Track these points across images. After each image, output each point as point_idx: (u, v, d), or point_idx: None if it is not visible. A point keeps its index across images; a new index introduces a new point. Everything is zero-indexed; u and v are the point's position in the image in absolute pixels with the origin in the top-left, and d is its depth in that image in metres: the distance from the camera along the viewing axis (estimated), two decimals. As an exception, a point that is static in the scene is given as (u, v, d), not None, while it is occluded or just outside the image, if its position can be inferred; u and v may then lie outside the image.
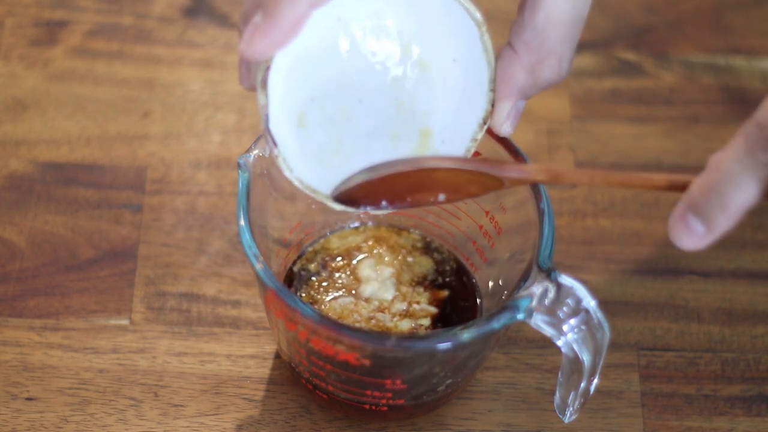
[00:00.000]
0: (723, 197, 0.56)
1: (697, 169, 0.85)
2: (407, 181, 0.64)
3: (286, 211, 0.74)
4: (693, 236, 0.57)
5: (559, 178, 0.63)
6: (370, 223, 0.77)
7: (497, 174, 0.63)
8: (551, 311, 0.63)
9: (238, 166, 0.67)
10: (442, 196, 0.65)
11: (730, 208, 0.56)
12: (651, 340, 0.78)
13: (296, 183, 0.65)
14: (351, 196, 0.65)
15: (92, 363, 0.75)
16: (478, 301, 0.74)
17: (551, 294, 0.64)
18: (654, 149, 0.86)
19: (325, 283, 0.74)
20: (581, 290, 0.63)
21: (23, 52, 0.89)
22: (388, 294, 0.73)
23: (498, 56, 0.64)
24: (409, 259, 0.76)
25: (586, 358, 0.64)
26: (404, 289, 0.74)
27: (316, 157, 0.66)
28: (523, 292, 0.64)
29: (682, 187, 0.59)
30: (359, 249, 0.76)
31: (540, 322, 0.64)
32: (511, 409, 0.75)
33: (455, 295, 0.75)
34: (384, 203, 0.65)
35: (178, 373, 0.75)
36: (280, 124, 0.64)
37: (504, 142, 0.69)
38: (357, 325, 0.72)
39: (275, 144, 0.64)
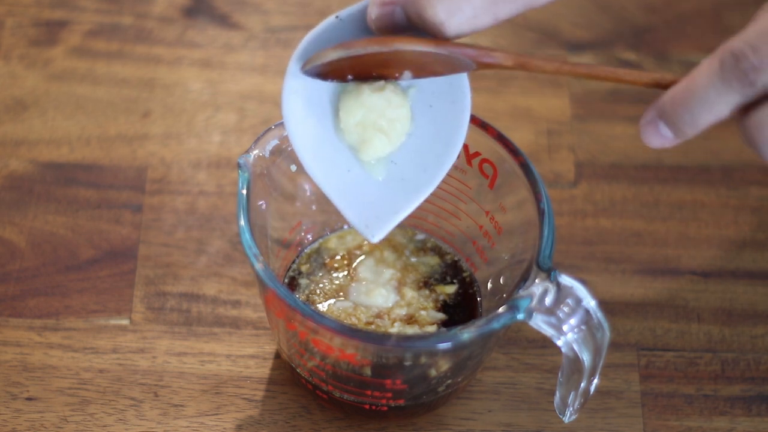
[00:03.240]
0: (693, 113, 0.59)
1: (698, 169, 0.86)
2: (377, 59, 0.64)
3: (286, 211, 0.74)
4: (661, 138, 0.61)
5: (525, 65, 0.63)
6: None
7: (467, 57, 0.63)
8: (551, 311, 0.63)
9: (238, 166, 0.67)
10: (408, 74, 0.65)
11: (699, 123, 0.59)
12: (651, 340, 0.78)
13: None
14: (319, 70, 0.64)
15: (92, 363, 0.75)
16: (478, 300, 0.74)
17: (551, 294, 0.64)
18: (653, 149, 0.86)
19: (322, 285, 0.74)
20: (581, 290, 0.63)
21: (23, 52, 0.89)
22: (389, 301, 0.73)
23: None
24: (413, 259, 0.76)
25: (586, 358, 0.64)
26: (409, 293, 0.74)
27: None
28: (523, 292, 0.64)
29: (649, 86, 0.61)
30: (359, 248, 0.76)
31: (540, 322, 0.64)
32: (511, 409, 0.75)
33: (455, 295, 0.75)
34: (350, 77, 0.65)
35: (178, 373, 0.75)
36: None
37: (503, 141, 0.70)
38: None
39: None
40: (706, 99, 0.58)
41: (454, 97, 0.65)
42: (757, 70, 0.57)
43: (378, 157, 0.66)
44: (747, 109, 0.58)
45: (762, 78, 0.57)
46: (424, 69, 0.64)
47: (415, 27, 0.62)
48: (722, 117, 0.59)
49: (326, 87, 0.65)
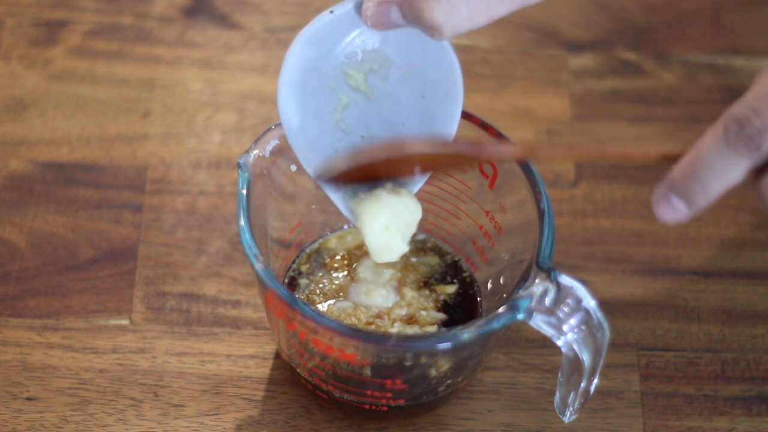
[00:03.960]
0: (704, 183, 0.58)
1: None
2: (388, 163, 0.64)
3: (286, 211, 0.74)
4: (675, 213, 0.60)
5: (534, 153, 0.63)
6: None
7: (475, 155, 0.63)
8: (551, 311, 0.63)
9: (238, 166, 0.67)
10: (419, 173, 0.65)
11: (710, 193, 0.58)
12: (651, 340, 0.78)
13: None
14: (333, 180, 0.65)
15: (92, 363, 0.75)
16: (478, 300, 0.74)
17: (551, 294, 0.64)
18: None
19: (321, 285, 0.74)
20: (581, 290, 0.63)
21: (23, 52, 0.89)
22: (389, 301, 0.73)
23: None
24: (413, 259, 0.76)
25: (586, 358, 0.64)
26: (409, 293, 0.74)
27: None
28: (523, 292, 0.64)
29: (658, 161, 0.61)
30: (359, 248, 0.76)
31: (540, 322, 0.64)
32: (511, 409, 0.75)
33: (455, 295, 0.75)
34: (362, 182, 0.65)
35: (178, 373, 0.75)
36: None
37: (504, 142, 0.69)
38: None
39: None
40: (714, 167, 0.57)
41: (446, 88, 0.66)
42: (761, 133, 0.56)
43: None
44: (759, 172, 0.58)
45: (767, 141, 0.56)
46: (434, 167, 0.65)
47: (411, 26, 0.62)
48: (734, 183, 0.58)
49: (323, 76, 0.65)
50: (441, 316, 0.73)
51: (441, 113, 0.67)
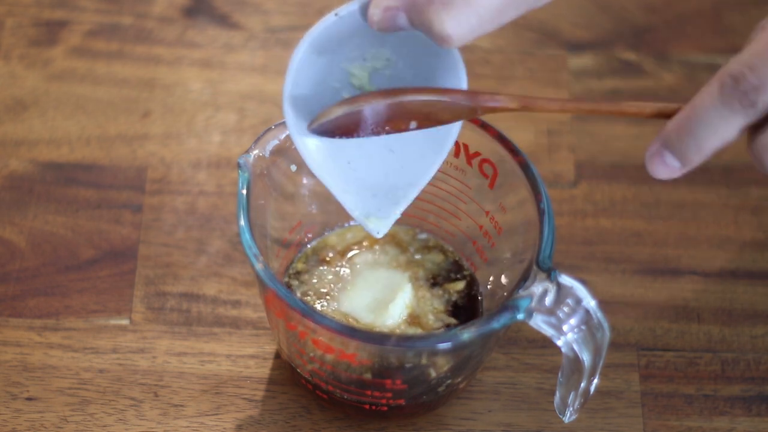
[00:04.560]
0: (699, 139, 0.58)
1: (698, 169, 0.86)
2: (383, 112, 0.64)
3: (286, 211, 0.74)
4: (668, 169, 0.60)
5: (529, 105, 0.63)
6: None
7: (471, 103, 0.63)
8: (551, 311, 0.63)
9: (238, 166, 0.67)
10: (413, 124, 0.65)
11: (705, 149, 0.59)
12: (651, 340, 0.78)
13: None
14: (326, 128, 0.65)
15: (92, 363, 0.75)
16: (479, 300, 0.74)
17: (551, 294, 0.64)
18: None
19: (321, 284, 0.74)
20: (581, 290, 0.63)
21: (23, 52, 0.89)
22: (394, 303, 0.73)
23: None
24: (417, 256, 0.76)
25: (586, 358, 0.64)
26: (410, 295, 0.74)
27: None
28: (523, 292, 0.64)
29: (653, 116, 0.61)
30: (360, 246, 0.76)
31: (540, 322, 0.64)
32: (511, 409, 0.75)
33: (456, 295, 0.75)
34: (357, 134, 0.65)
35: (178, 373, 0.75)
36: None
37: (503, 141, 0.70)
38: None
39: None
40: (709, 123, 0.58)
41: (451, 84, 0.66)
42: (757, 89, 0.56)
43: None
44: (754, 130, 0.58)
45: (762, 97, 0.57)
46: (429, 118, 0.64)
47: (418, 31, 0.62)
48: (728, 140, 0.58)
49: (327, 76, 0.65)
50: (452, 320, 0.73)
51: None
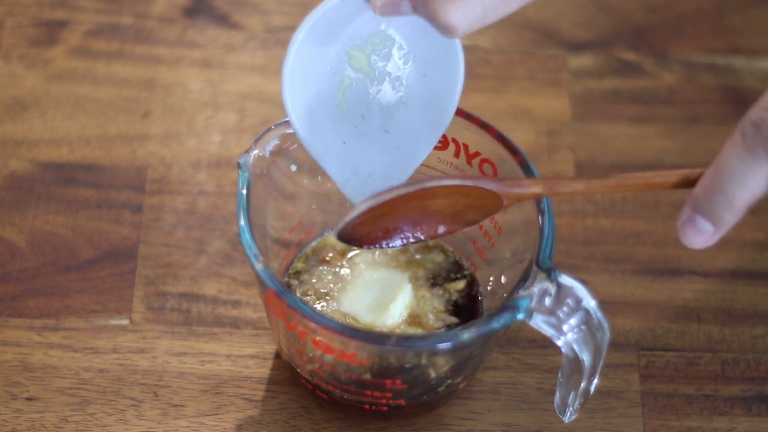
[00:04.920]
0: (729, 196, 0.57)
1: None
2: (408, 211, 0.64)
3: (286, 211, 0.74)
4: (702, 235, 0.59)
5: (555, 188, 0.63)
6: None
7: (496, 189, 0.63)
8: (551, 311, 0.63)
9: (238, 166, 0.67)
10: (441, 228, 0.65)
11: (736, 205, 0.58)
12: (651, 340, 0.78)
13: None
14: (354, 232, 0.65)
15: (92, 363, 0.75)
16: (479, 300, 0.74)
17: (551, 294, 0.64)
18: (654, 149, 0.86)
19: (321, 284, 0.74)
20: (581, 290, 0.63)
21: (23, 52, 0.89)
22: (394, 304, 0.73)
23: None
24: (417, 256, 0.76)
25: (586, 358, 0.64)
26: (410, 295, 0.74)
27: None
28: (523, 292, 0.64)
29: (679, 185, 0.60)
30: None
31: (540, 322, 0.64)
32: (511, 409, 0.75)
33: (457, 294, 0.75)
34: (385, 241, 0.65)
35: (178, 373, 0.75)
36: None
37: (503, 141, 0.70)
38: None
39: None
40: (736, 175, 0.57)
41: (447, 67, 0.66)
42: None
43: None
44: None
45: None
46: (456, 219, 0.64)
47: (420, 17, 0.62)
48: (758, 193, 0.57)
49: (326, 58, 0.65)
50: (453, 319, 0.73)
51: (442, 91, 0.67)
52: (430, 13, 0.60)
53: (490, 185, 0.63)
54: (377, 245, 0.66)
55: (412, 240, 0.66)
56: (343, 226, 0.65)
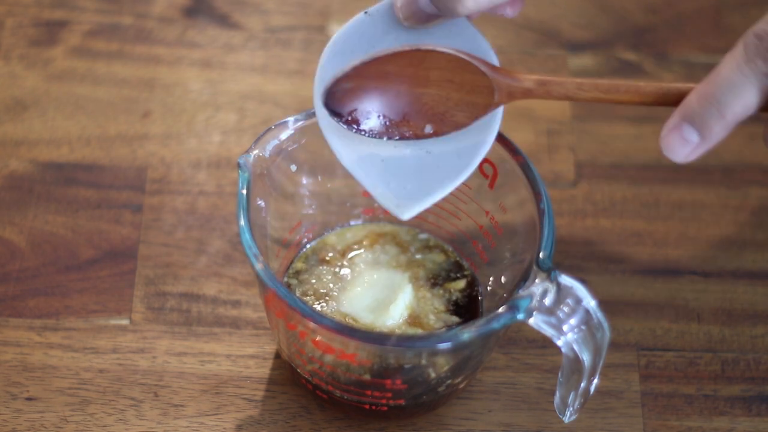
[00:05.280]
0: (722, 105, 0.56)
1: (698, 169, 0.86)
2: (398, 86, 0.63)
3: (286, 211, 0.74)
4: (686, 146, 0.58)
5: (547, 86, 0.62)
6: (368, 221, 0.77)
7: (488, 73, 0.62)
8: (551, 311, 0.63)
9: (238, 166, 0.67)
10: (429, 128, 0.64)
11: (727, 116, 0.57)
12: (651, 340, 0.78)
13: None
14: (340, 97, 0.63)
15: (92, 363, 0.75)
16: (479, 300, 0.74)
17: (551, 294, 0.64)
18: (654, 149, 0.86)
19: (321, 284, 0.74)
20: (581, 290, 0.63)
21: (23, 52, 0.89)
22: (394, 304, 0.73)
23: None
24: (417, 256, 0.76)
25: (586, 358, 0.64)
26: (411, 295, 0.74)
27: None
28: (523, 292, 0.64)
29: (670, 99, 0.59)
30: (360, 246, 0.76)
31: (540, 322, 0.64)
32: (511, 409, 0.75)
33: (458, 294, 0.75)
34: (368, 121, 0.64)
35: (178, 373, 0.75)
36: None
37: (503, 141, 0.70)
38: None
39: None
40: (732, 86, 0.56)
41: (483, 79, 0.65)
42: None
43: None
44: None
45: None
46: (444, 118, 0.63)
47: (438, 11, 0.61)
48: (752, 106, 0.56)
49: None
50: (453, 319, 0.73)
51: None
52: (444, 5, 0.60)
53: (483, 67, 0.62)
54: (360, 124, 0.64)
55: (396, 135, 0.64)
56: (331, 82, 0.63)
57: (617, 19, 0.93)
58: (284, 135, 0.69)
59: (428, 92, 0.63)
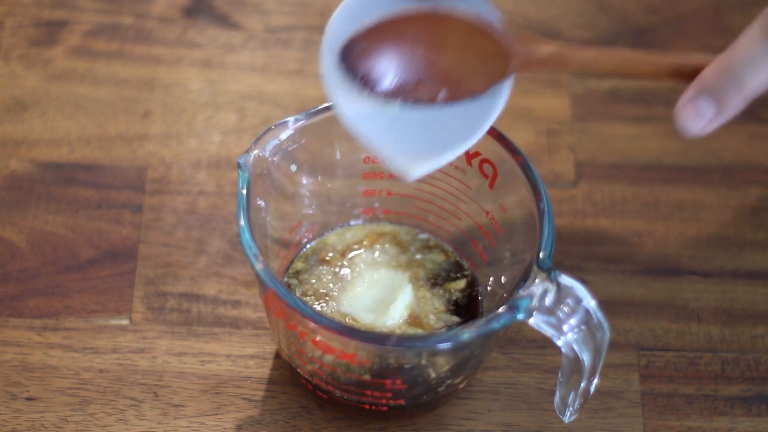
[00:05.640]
0: (740, 78, 0.56)
1: (698, 169, 0.86)
2: (414, 46, 0.61)
3: (286, 211, 0.74)
4: (701, 119, 0.58)
5: (564, 55, 0.61)
6: (367, 221, 0.77)
7: (505, 40, 0.61)
8: (551, 311, 0.63)
9: (238, 166, 0.67)
10: (443, 93, 0.63)
11: (744, 90, 0.57)
12: (651, 340, 0.78)
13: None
14: (357, 55, 0.62)
15: (92, 363, 0.75)
16: (479, 300, 0.74)
17: (551, 294, 0.64)
18: (654, 149, 0.86)
19: (321, 284, 0.74)
20: (581, 290, 0.63)
21: (23, 52, 0.89)
22: (394, 304, 0.73)
23: None
24: (417, 256, 0.76)
25: (586, 358, 0.64)
26: (411, 295, 0.74)
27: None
28: (523, 292, 0.64)
29: (689, 72, 0.58)
30: (360, 246, 0.76)
31: (540, 322, 0.64)
32: (511, 409, 0.75)
33: (459, 293, 0.75)
34: (382, 82, 0.63)
35: (178, 373, 0.75)
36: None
37: (503, 141, 0.70)
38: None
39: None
40: (751, 60, 0.56)
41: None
42: None
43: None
44: None
45: None
46: (460, 84, 0.62)
47: None
48: (767, 82, 0.56)
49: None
50: (454, 319, 0.73)
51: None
52: None
53: (500, 34, 0.61)
54: (374, 84, 0.63)
55: (410, 97, 0.63)
56: (348, 39, 0.62)
57: (617, 19, 0.93)
58: (284, 135, 0.69)
59: (444, 58, 0.62)
